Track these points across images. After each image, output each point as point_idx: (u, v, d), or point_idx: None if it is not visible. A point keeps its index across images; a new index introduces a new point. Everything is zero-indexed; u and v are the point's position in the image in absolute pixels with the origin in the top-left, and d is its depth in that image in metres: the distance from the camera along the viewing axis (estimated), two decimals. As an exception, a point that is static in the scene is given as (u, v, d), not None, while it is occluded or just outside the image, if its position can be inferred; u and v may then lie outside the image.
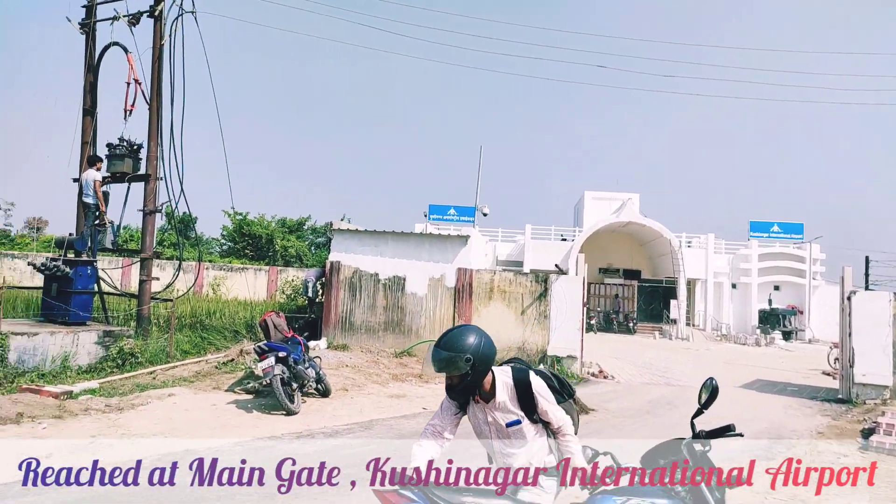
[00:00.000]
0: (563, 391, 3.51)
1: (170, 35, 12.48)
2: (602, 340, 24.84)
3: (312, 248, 41.37)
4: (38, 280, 12.86)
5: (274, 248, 36.49)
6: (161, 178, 12.26)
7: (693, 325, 31.39)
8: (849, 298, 12.70)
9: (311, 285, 17.20)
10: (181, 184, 12.38)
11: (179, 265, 13.94)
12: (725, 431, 3.06)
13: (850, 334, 12.51)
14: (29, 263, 12.75)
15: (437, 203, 38.18)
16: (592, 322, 29.62)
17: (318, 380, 9.71)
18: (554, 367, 11.04)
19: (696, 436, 3.15)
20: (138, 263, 12.79)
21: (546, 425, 3.33)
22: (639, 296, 33.95)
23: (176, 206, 12.47)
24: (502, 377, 3.29)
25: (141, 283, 12.26)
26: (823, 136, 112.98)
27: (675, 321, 29.60)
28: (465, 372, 3.12)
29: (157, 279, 12.94)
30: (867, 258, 27.87)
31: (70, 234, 12.17)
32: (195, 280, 15.37)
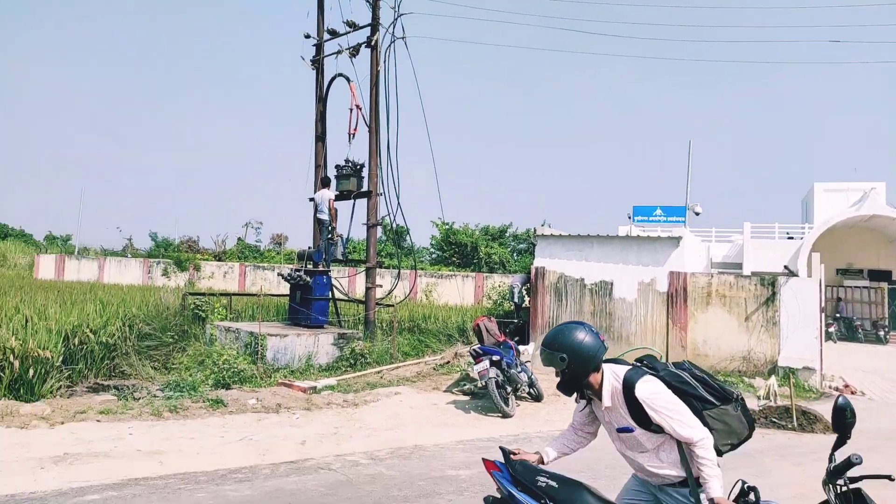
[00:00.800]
0: (714, 396, 3.04)
1: (384, 61, 13.63)
2: (844, 351, 21.79)
3: (515, 254, 42.09)
4: (284, 288, 14.81)
5: (478, 255, 37.81)
6: (381, 194, 13.40)
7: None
8: None
9: (516, 291, 17.51)
10: (398, 198, 13.42)
11: (398, 273, 15.10)
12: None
13: None
14: (278, 274, 14.68)
15: (641, 204, 36.60)
16: (831, 330, 26.10)
17: (531, 384, 9.86)
18: (789, 380, 9.93)
19: (833, 473, 2.76)
20: (363, 272, 14.12)
21: None
22: (890, 300, 29.21)
23: (393, 219, 13.54)
24: (611, 379, 3.06)
25: (367, 290, 13.49)
26: None
27: (941, 330, 24.92)
28: (563, 369, 3.05)
29: (381, 286, 14.14)
30: None
31: (308, 248, 13.82)
32: (412, 287, 16.50)
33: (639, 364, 3.18)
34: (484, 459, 3.26)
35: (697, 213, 30.79)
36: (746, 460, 7.18)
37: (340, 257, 13.78)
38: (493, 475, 3.12)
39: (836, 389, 12.75)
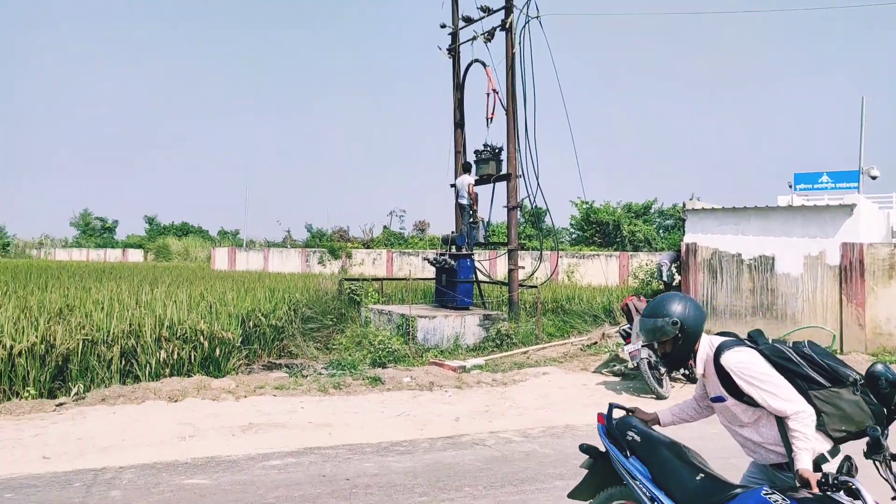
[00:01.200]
0: (823, 376, 2.81)
1: (519, 43, 13.55)
2: None
3: (661, 231, 40.22)
4: (429, 272, 15.38)
5: (621, 234, 36.58)
6: (520, 176, 13.40)
7: None
8: None
9: (665, 269, 16.75)
10: (537, 179, 13.35)
11: (541, 255, 15.07)
12: None
13: None
14: (424, 259, 15.22)
15: (803, 171, 33.35)
16: None
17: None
18: None
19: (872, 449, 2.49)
20: (504, 255, 14.25)
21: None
22: None
23: (533, 201, 13.50)
24: (705, 348, 3.05)
25: (510, 271, 13.61)
26: None
27: None
28: (674, 335, 3.01)
29: (522, 268, 14.22)
30: None
31: (451, 233, 14.20)
32: (553, 268, 16.39)
33: (739, 337, 3.12)
34: (599, 414, 3.49)
35: (874, 178, 27.39)
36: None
37: (482, 240, 14.01)
38: (598, 427, 3.42)
39: None
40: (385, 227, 47.87)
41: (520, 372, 9.90)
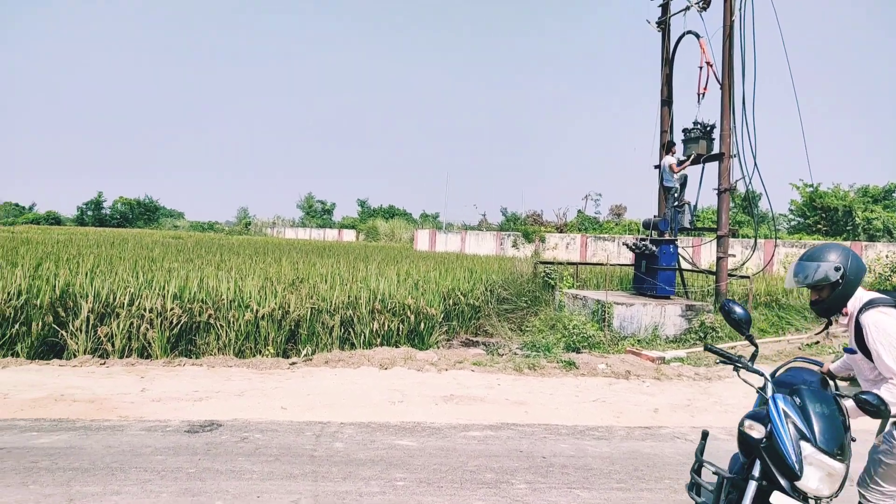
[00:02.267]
0: None
1: (739, 9, 12.42)
2: None
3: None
4: (625, 258, 14.88)
5: (853, 221, 32.07)
6: (734, 156, 12.37)
7: None
8: None
9: (912, 262, 14.43)
10: (755, 159, 12.21)
11: (755, 243, 13.81)
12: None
13: None
14: (623, 244, 14.78)
15: None
16: None
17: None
18: None
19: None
20: (711, 242, 13.28)
21: None
22: None
23: (750, 182, 12.38)
24: (854, 301, 3.13)
25: (718, 259, 12.68)
26: None
27: None
28: (834, 281, 3.08)
29: (733, 255, 13.16)
30: None
31: (654, 216, 13.59)
32: (769, 258, 14.92)
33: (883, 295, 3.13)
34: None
35: None
36: None
37: (688, 225, 13.21)
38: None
39: None
40: (579, 211, 47.16)
41: (725, 367, 9.24)
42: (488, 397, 7.14)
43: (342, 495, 4.29)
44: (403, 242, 47.85)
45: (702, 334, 11.34)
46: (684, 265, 13.77)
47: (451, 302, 12.42)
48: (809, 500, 2.84)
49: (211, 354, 8.65)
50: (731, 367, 3.23)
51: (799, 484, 2.78)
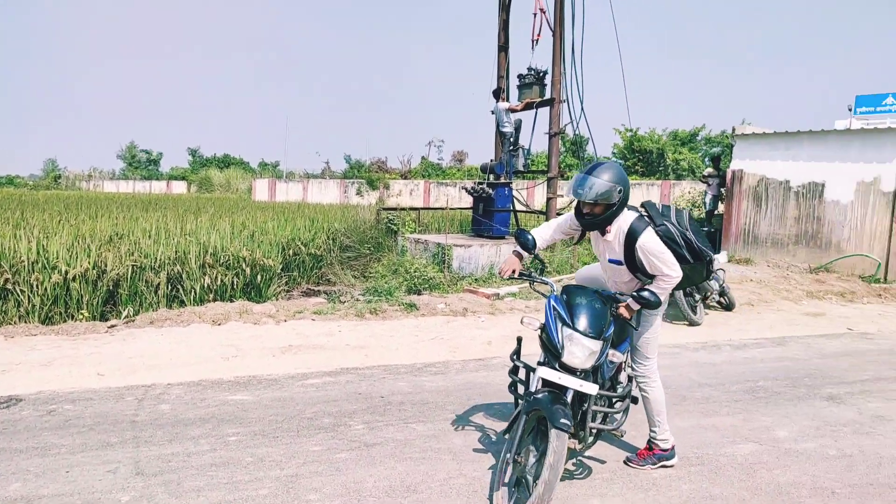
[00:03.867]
0: (691, 254, 3.66)
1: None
2: None
3: (707, 159, 38.95)
4: (466, 202, 15.33)
5: (665, 162, 35.60)
6: (564, 101, 13.00)
7: None
8: None
9: (708, 197, 16.35)
10: (581, 104, 12.94)
11: (578, 182, 14.79)
12: None
13: None
14: (462, 188, 15.15)
15: (866, 93, 31.46)
16: None
17: (721, 293, 9.35)
18: None
19: None
20: (543, 183, 14.05)
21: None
22: None
23: (577, 126, 13.13)
24: (619, 222, 3.60)
25: (548, 200, 13.47)
26: None
27: None
28: (614, 202, 3.47)
29: (562, 196, 14.03)
30: None
31: (490, 161, 14.03)
32: (592, 196, 16.12)
33: (642, 213, 3.71)
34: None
35: (941, 99, 25.58)
36: None
37: (522, 168, 13.81)
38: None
39: None
40: (423, 157, 47.60)
41: (554, 299, 9.94)
42: (328, 344, 7.08)
43: (167, 458, 4.05)
44: (241, 193, 45.37)
45: (532, 269, 12.08)
46: (518, 206, 14.46)
47: (290, 252, 12.05)
48: (577, 373, 3.42)
49: (10, 324, 7.66)
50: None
51: (563, 359, 3.39)
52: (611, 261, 3.76)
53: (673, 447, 4.01)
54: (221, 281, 9.35)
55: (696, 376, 6.13)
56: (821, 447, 4.46)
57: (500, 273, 3.89)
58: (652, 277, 3.60)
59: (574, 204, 3.78)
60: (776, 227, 13.79)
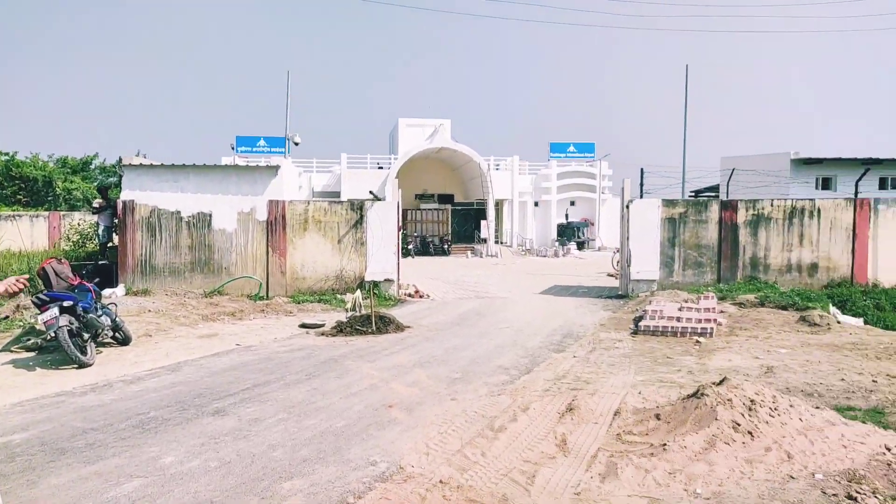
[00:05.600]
0: None
1: None
2: (419, 263, 25.76)
3: (97, 189, 37.27)
4: None
5: (54, 192, 32.19)
6: None
7: (501, 243, 33.68)
8: (627, 207, 14.40)
9: (101, 229, 15.54)
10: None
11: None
12: None
13: (627, 238, 14.27)
14: None
15: (245, 134, 35.95)
16: (410, 247, 30.46)
17: (116, 328, 8.94)
18: (370, 291, 11.25)
19: None
20: None
21: None
22: (453, 219, 35.45)
23: None
24: None
25: None
26: (613, 61, 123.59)
27: (485, 240, 31.51)
28: None
29: None
30: (641, 170, 31.04)
31: None
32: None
33: None
34: None
35: (297, 143, 31.69)
36: (333, 365, 7.92)
37: None
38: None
39: (410, 295, 15.01)
40: None
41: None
42: None
43: None
44: None
45: None
46: None
47: None
48: None
49: None
50: None
51: None
52: None
53: None
54: None
55: (82, 423, 5.61)
56: (204, 462, 4.69)
57: None
58: None
59: None
60: (172, 255, 14.17)
